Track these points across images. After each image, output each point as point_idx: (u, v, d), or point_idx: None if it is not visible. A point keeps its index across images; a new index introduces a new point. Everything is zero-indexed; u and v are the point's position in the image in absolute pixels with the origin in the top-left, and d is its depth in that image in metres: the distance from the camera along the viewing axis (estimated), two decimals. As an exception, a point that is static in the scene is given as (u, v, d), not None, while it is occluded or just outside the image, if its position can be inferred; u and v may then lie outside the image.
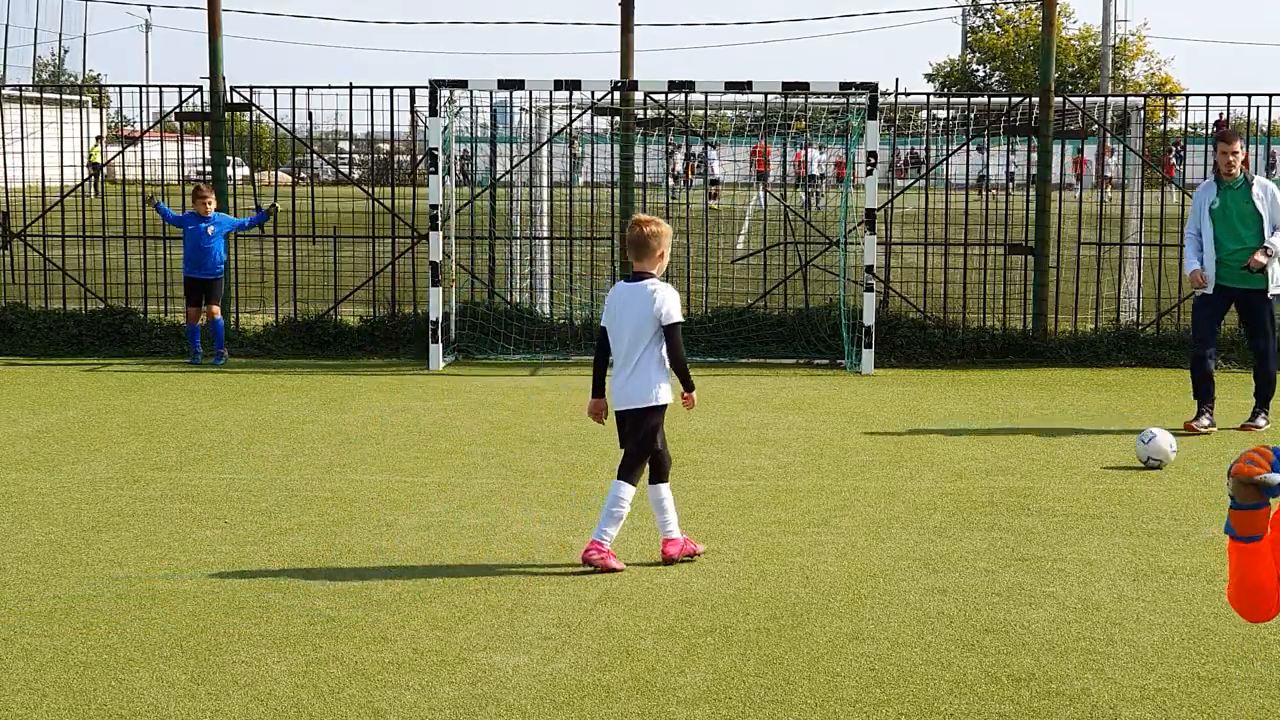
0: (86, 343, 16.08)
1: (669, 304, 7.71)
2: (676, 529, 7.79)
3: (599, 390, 7.96)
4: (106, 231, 16.76)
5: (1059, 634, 6.62)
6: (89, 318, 16.37)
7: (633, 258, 7.86)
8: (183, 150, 18.38)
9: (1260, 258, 11.45)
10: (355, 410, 12.53)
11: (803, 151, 20.68)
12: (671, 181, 23.13)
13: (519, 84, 15.49)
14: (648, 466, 7.81)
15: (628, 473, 7.75)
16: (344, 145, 21.46)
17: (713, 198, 20.80)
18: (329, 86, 16.73)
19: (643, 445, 7.77)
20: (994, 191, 18.34)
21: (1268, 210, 11.61)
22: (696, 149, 23.28)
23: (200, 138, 18.75)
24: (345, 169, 21.08)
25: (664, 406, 7.88)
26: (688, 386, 7.99)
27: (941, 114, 19.40)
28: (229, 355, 15.43)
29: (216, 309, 15.45)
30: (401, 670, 6.14)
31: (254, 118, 16.78)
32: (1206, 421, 11.84)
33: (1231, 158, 11.56)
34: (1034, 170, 15.91)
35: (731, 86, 15.31)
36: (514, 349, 15.74)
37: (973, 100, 19.04)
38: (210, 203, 15.40)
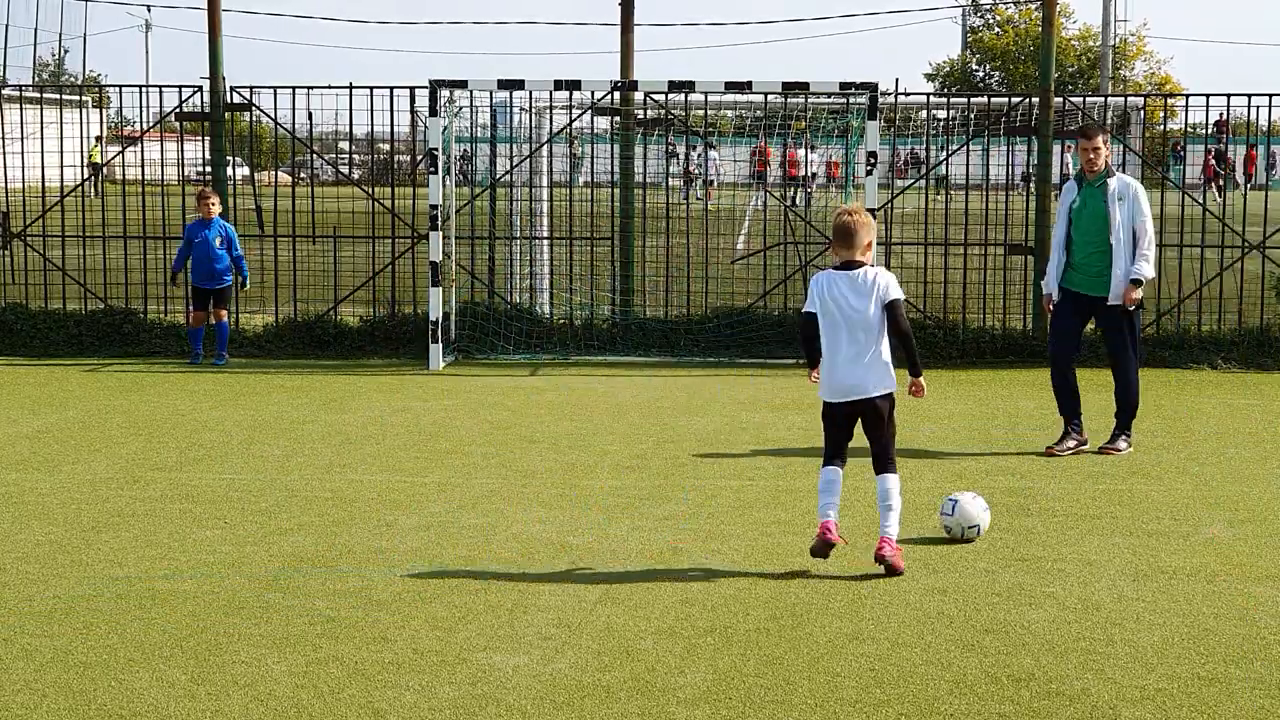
0: (86, 343, 16.08)
1: (892, 283, 7.61)
2: (896, 528, 7.64)
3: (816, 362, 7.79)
4: (106, 231, 16.76)
5: (1059, 634, 6.62)
6: (89, 318, 16.37)
7: (842, 249, 7.67)
8: (183, 150, 18.38)
9: (1135, 294, 10.50)
10: (355, 410, 12.53)
11: (796, 151, 20.67)
12: (681, 183, 23.15)
13: (519, 84, 15.49)
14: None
15: (891, 462, 7.68)
16: (344, 145, 21.46)
17: (708, 197, 20.79)
18: (329, 86, 16.75)
19: (891, 432, 7.71)
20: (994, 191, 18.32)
21: (1126, 212, 10.48)
22: (697, 149, 23.29)
23: (200, 138, 18.75)
24: (345, 169, 21.09)
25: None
26: (916, 370, 7.71)
27: (941, 114, 19.40)
28: (229, 358, 15.42)
29: (224, 312, 15.46)
30: (401, 670, 6.14)
31: (254, 118, 16.78)
32: (1072, 443, 10.74)
33: (1093, 154, 10.51)
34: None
35: (731, 86, 15.32)
36: (514, 349, 15.74)
37: (973, 100, 19.05)
38: (214, 205, 15.40)
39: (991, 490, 9.51)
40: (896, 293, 7.61)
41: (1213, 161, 26.73)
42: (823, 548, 7.53)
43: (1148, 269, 10.52)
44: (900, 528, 7.69)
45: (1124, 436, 10.80)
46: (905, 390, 7.77)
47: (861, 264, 7.65)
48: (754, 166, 21.71)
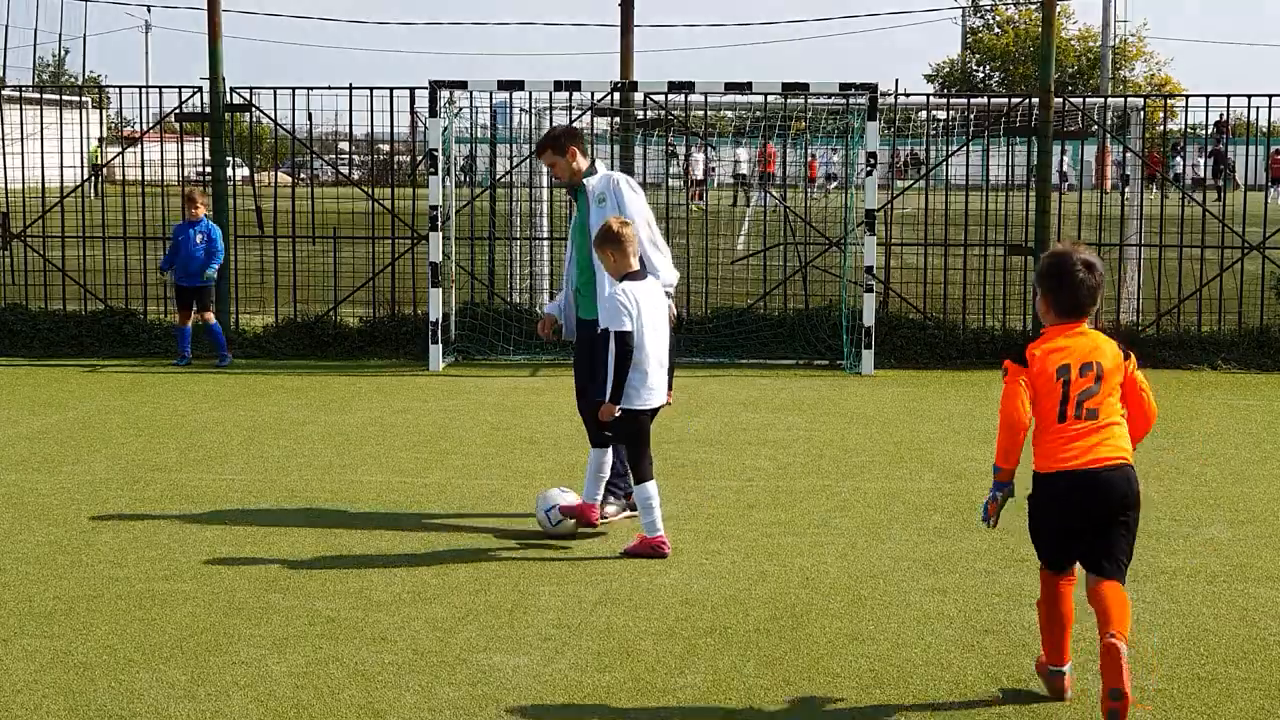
0: (86, 343, 16.08)
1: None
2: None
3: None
4: (106, 232, 16.76)
5: (1059, 634, 6.61)
6: (89, 318, 16.37)
7: (630, 253, 7.97)
8: (183, 151, 18.39)
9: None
10: (355, 411, 12.53)
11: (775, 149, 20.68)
12: (690, 184, 23.12)
13: (519, 85, 15.49)
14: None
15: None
16: (344, 146, 21.46)
17: (696, 199, 20.81)
18: (329, 87, 16.77)
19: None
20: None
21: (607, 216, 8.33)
22: (696, 150, 23.30)
23: (200, 138, 18.74)
24: (345, 170, 21.09)
25: None
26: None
27: (941, 114, 19.40)
28: (233, 357, 15.40)
29: (210, 314, 15.41)
30: (401, 671, 6.14)
31: (254, 118, 16.78)
32: (612, 510, 8.72)
33: (552, 169, 8.81)
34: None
35: (731, 87, 15.32)
36: (514, 349, 15.74)
37: (973, 101, 19.05)
38: (200, 208, 15.38)
39: (991, 490, 9.50)
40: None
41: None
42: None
43: (670, 282, 8.47)
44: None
45: (615, 499, 8.72)
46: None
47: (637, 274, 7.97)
48: (755, 167, 21.71)
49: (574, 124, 9.49)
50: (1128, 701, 5.35)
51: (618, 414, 7.87)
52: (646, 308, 7.91)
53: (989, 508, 6.14)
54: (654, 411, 8.04)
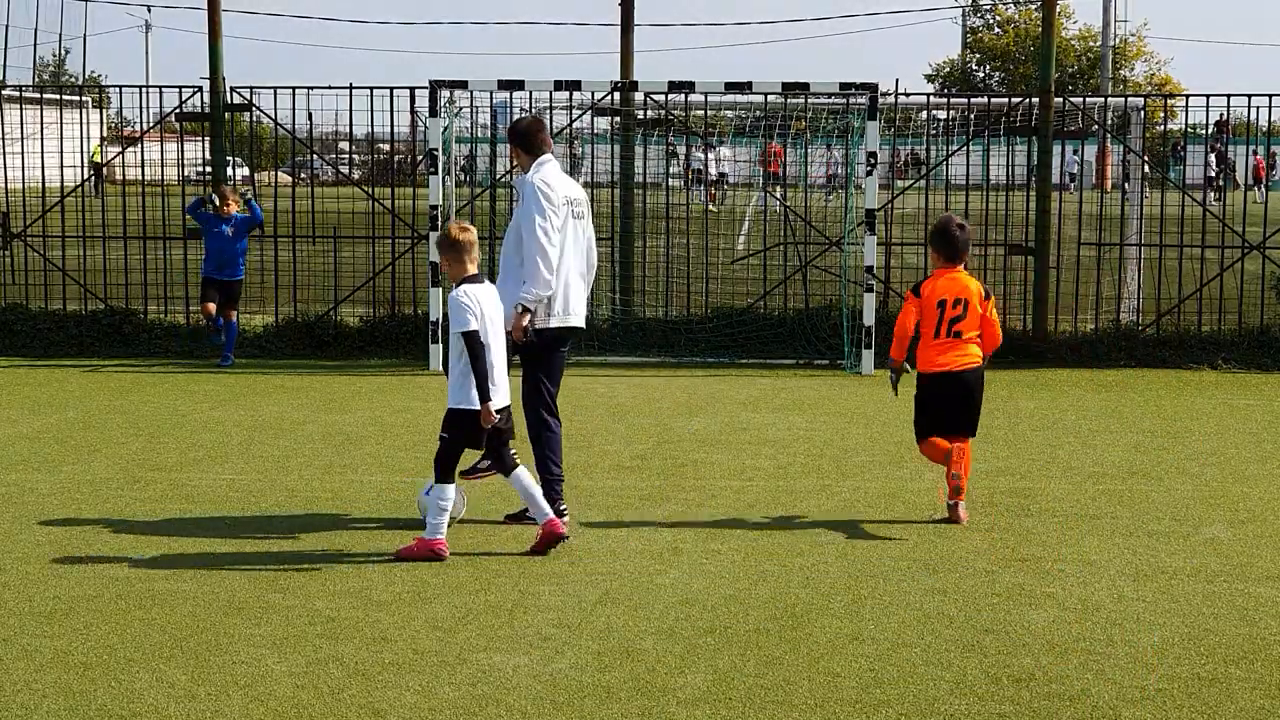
0: (86, 343, 16.08)
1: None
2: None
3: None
4: (106, 232, 16.76)
5: (1059, 634, 6.62)
6: (89, 318, 16.37)
7: (468, 259, 7.98)
8: (183, 150, 18.38)
9: (522, 322, 8.34)
10: (355, 411, 12.53)
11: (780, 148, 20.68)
12: (694, 185, 23.10)
13: (519, 84, 15.49)
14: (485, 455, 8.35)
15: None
16: (344, 146, 21.46)
17: (711, 199, 20.78)
18: (329, 87, 16.78)
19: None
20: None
21: (518, 215, 8.51)
22: (697, 150, 23.30)
23: (200, 138, 18.75)
24: (345, 169, 21.08)
25: None
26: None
27: (941, 114, 19.41)
28: (235, 360, 15.41)
29: (233, 313, 15.41)
30: (401, 671, 6.13)
31: (254, 118, 16.78)
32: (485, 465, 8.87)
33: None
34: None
35: (731, 87, 15.32)
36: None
37: (973, 101, 19.05)
38: (230, 206, 15.40)
39: (992, 490, 9.51)
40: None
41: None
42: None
43: (528, 289, 8.32)
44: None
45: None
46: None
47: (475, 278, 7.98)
48: (757, 167, 21.71)
49: (534, 117, 9.30)
50: (962, 495, 8.59)
51: (495, 415, 7.93)
52: (487, 310, 7.92)
53: (895, 385, 9.05)
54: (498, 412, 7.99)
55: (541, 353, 8.61)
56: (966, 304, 8.68)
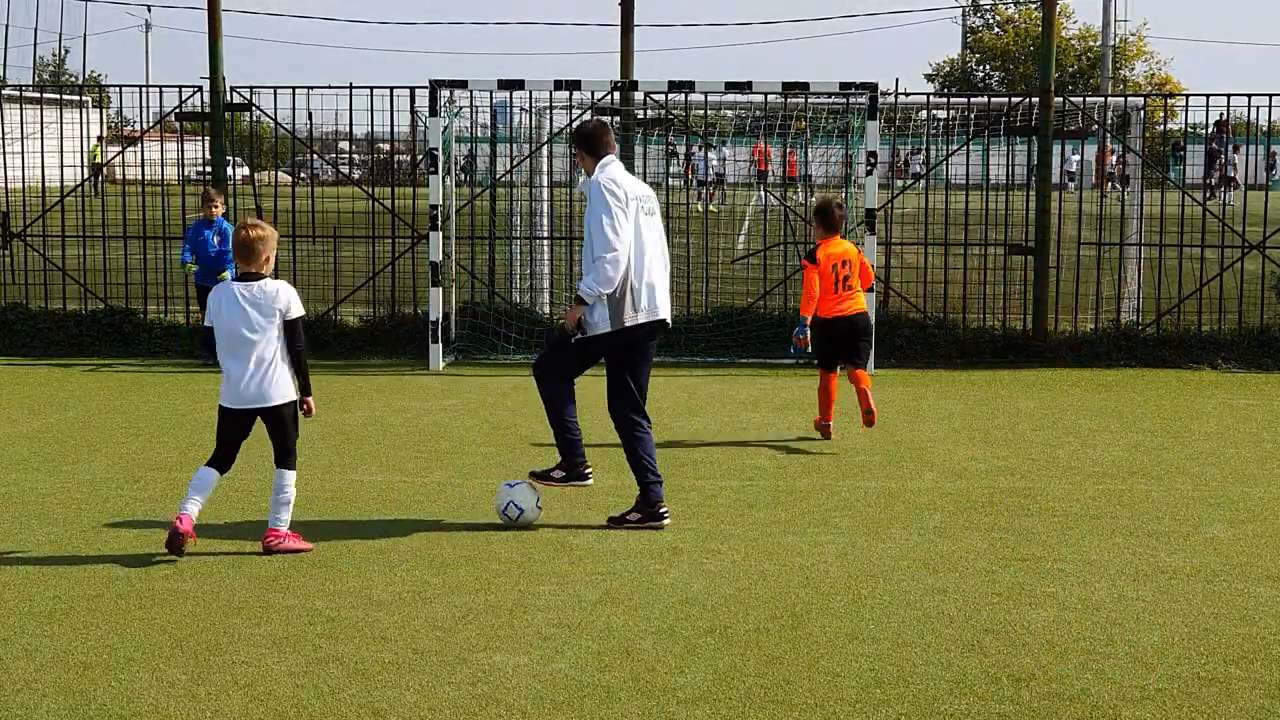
0: (86, 343, 16.07)
1: (294, 300, 8.05)
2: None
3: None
4: (106, 231, 16.77)
5: (1059, 634, 6.62)
6: (89, 318, 16.37)
7: (241, 262, 8.14)
8: (183, 150, 18.38)
9: (574, 315, 8.49)
10: (355, 410, 12.53)
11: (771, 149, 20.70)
12: (694, 184, 23.10)
13: (519, 84, 15.49)
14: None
15: (290, 458, 8.02)
16: (344, 145, 21.46)
17: (710, 199, 20.79)
18: (329, 86, 16.77)
19: (294, 434, 8.05)
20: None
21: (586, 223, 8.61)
22: (697, 149, 23.30)
23: (200, 138, 18.75)
24: (345, 169, 21.08)
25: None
26: (307, 390, 8.06)
27: (941, 114, 19.41)
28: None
29: None
30: (401, 670, 6.14)
31: (254, 118, 16.78)
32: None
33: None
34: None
35: (731, 86, 15.32)
36: (514, 349, 15.74)
37: (973, 100, 19.05)
38: (217, 207, 15.37)
39: (991, 490, 9.52)
40: (297, 310, 7.98)
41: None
42: (177, 540, 7.72)
43: (587, 284, 8.41)
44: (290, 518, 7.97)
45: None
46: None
47: (261, 276, 8.02)
48: (754, 166, 21.72)
49: (599, 120, 9.24)
50: (874, 414, 11.07)
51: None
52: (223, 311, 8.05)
53: (797, 341, 11.06)
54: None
55: (626, 351, 8.56)
56: (850, 262, 11.27)
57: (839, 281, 11.18)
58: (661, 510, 8.51)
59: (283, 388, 7.93)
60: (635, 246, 8.45)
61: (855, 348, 11.24)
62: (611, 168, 8.55)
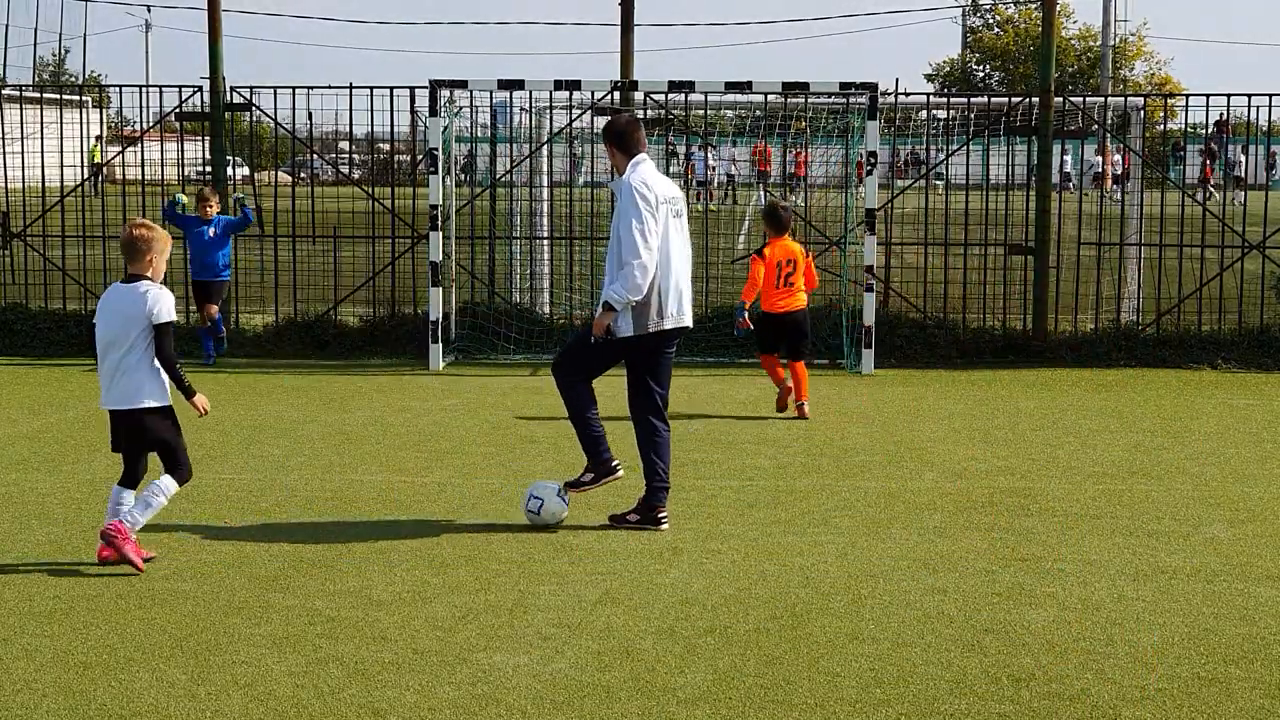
0: (86, 343, 16.07)
1: (162, 304, 7.74)
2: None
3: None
4: (106, 231, 16.76)
5: (1059, 634, 6.62)
6: (89, 318, 16.31)
7: (125, 260, 7.92)
8: (183, 150, 18.39)
9: (602, 322, 8.34)
10: (355, 410, 12.53)
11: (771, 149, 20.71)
12: (696, 185, 23.13)
13: (519, 84, 15.49)
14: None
15: (180, 470, 7.79)
16: (344, 145, 21.46)
17: (710, 198, 20.79)
18: (329, 86, 16.78)
19: (171, 442, 7.77)
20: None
21: (614, 223, 8.54)
22: (696, 150, 23.31)
23: (200, 138, 18.75)
24: (345, 169, 21.08)
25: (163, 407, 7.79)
26: (188, 393, 7.77)
27: (941, 114, 19.41)
28: (218, 357, 15.37)
29: (214, 308, 15.38)
30: (401, 670, 6.14)
31: (254, 118, 16.78)
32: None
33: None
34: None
35: (731, 86, 15.32)
36: (514, 349, 15.74)
37: (973, 100, 19.05)
38: (211, 206, 15.38)
39: (991, 490, 9.52)
40: (167, 315, 7.75)
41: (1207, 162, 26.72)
42: (107, 555, 7.56)
43: (617, 290, 8.23)
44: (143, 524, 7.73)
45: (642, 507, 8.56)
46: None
47: (143, 278, 7.84)
48: (754, 166, 21.73)
49: (630, 116, 8.85)
50: (807, 410, 12.30)
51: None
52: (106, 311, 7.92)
53: (739, 322, 12.09)
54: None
55: (647, 355, 8.48)
56: (795, 263, 12.25)
57: (781, 278, 12.19)
58: (660, 515, 8.49)
59: (146, 393, 7.70)
60: (662, 251, 8.35)
61: (794, 345, 12.30)
62: (643, 168, 8.43)
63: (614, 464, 8.73)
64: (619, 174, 8.57)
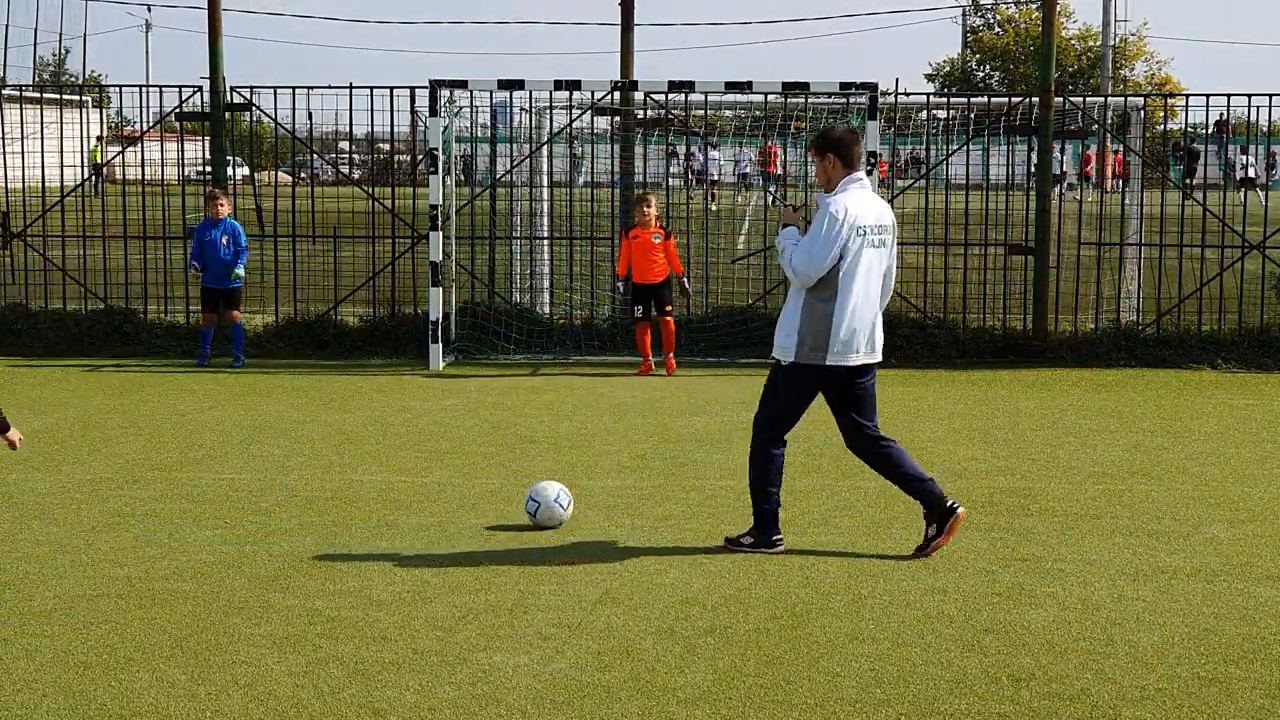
0: (86, 343, 16.07)
1: None
2: None
3: None
4: (106, 231, 16.76)
5: (1059, 634, 6.62)
6: (89, 318, 16.37)
7: None
8: (183, 150, 18.39)
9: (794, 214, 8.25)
10: (355, 410, 12.53)
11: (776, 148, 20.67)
12: (694, 183, 23.09)
13: (519, 84, 15.49)
14: None
15: None
16: (344, 145, 21.46)
17: (711, 198, 20.78)
18: (329, 86, 16.77)
19: None
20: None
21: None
22: (696, 149, 23.30)
23: (200, 138, 18.75)
24: (345, 169, 21.08)
25: None
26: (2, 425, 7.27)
27: (941, 114, 19.41)
28: (212, 357, 15.34)
29: (236, 314, 15.37)
30: (401, 670, 6.14)
31: (254, 118, 16.78)
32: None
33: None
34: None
35: (731, 86, 15.31)
36: (514, 349, 15.74)
37: (973, 100, 19.05)
38: (222, 206, 15.37)
39: (991, 490, 9.51)
40: None
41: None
42: None
43: (790, 238, 7.99)
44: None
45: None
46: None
47: None
48: (755, 166, 21.71)
49: (849, 127, 8.29)
50: (671, 365, 14.73)
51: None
52: None
53: (615, 286, 15.44)
54: None
55: (784, 385, 8.31)
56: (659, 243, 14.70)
57: (644, 256, 14.73)
58: (776, 539, 8.00)
59: None
60: (843, 281, 7.88)
61: (658, 301, 14.81)
62: (853, 189, 7.82)
63: (777, 539, 8.00)
64: (828, 188, 7.91)
